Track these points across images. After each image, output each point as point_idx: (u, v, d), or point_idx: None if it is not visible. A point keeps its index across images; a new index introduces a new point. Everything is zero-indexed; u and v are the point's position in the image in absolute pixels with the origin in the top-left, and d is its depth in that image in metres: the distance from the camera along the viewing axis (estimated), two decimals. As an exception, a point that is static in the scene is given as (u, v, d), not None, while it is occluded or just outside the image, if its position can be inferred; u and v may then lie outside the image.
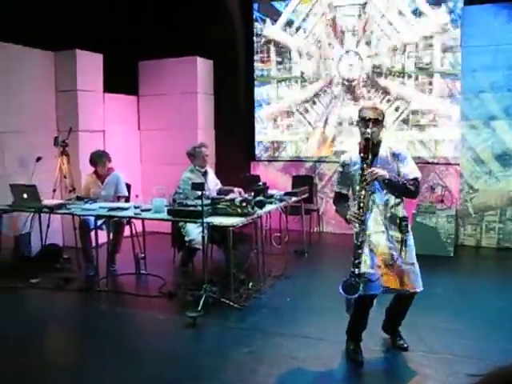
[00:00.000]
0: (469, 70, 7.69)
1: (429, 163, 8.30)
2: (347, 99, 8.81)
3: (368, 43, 8.65)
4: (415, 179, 3.94)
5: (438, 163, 8.32)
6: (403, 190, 3.89)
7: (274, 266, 6.55)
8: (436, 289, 5.83)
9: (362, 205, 3.83)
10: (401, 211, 4.00)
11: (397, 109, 8.50)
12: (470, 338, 4.53)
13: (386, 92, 8.56)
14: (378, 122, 3.91)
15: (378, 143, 3.95)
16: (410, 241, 4.02)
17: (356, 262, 3.81)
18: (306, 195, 7.28)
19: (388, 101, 8.54)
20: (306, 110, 9.09)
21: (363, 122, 3.89)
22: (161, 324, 5.01)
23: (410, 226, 4.02)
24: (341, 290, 3.78)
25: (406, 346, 4.30)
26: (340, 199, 4.18)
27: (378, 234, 3.94)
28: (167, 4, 8.91)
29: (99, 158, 6.73)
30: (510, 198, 7.59)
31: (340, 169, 4.15)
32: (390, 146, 4.01)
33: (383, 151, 3.96)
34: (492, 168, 7.64)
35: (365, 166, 3.80)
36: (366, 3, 8.62)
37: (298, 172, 8.98)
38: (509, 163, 7.57)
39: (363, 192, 3.82)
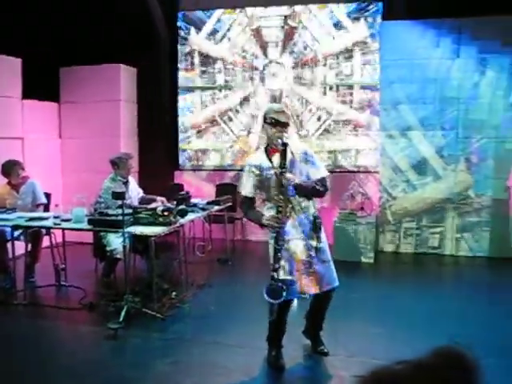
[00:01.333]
0: (387, 83, 7.97)
1: (349, 172, 8.53)
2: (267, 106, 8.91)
3: (291, 54, 8.81)
4: (323, 178, 4.05)
5: (358, 172, 8.57)
6: (313, 191, 3.99)
7: (198, 275, 6.53)
8: (356, 294, 5.99)
9: (280, 209, 3.87)
10: (314, 210, 4.10)
11: (319, 119, 8.70)
12: (389, 341, 4.66)
13: (308, 102, 8.74)
14: (287, 124, 3.99)
15: (286, 145, 3.97)
16: (324, 239, 4.11)
17: (276, 266, 3.86)
18: (230, 204, 7.30)
19: (310, 111, 8.73)
20: (230, 119, 9.15)
21: (279, 125, 3.92)
22: (81, 337, 4.88)
23: (322, 226, 4.12)
24: (265, 295, 3.81)
25: (326, 351, 4.37)
26: (250, 204, 4.18)
27: (296, 240, 4.00)
28: (91, 10, 8.74)
29: (11, 168, 6.46)
30: (427, 205, 7.91)
31: (253, 170, 4.10)
32: (297, 146, 4.10)
33: (291, 153, 4.00)
34: (409, 176, 7.94)
35: (282, 169, 3.85)
36: (289, 15, 8.78)
37: (221, 181, 9.00)
38: (424, 171, 7.89)
39: (281, 196, 3.87)
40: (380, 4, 8.49)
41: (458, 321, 5.21)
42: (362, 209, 7.94)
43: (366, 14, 8.54)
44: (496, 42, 7.53)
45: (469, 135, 7.74)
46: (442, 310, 5.52)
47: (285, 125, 3.94)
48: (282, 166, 3.86)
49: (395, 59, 7.89)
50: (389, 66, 7.94)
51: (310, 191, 3.99)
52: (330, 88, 8.66)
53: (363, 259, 7.48)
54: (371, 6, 8.52)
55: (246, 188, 4.14)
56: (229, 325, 5.04)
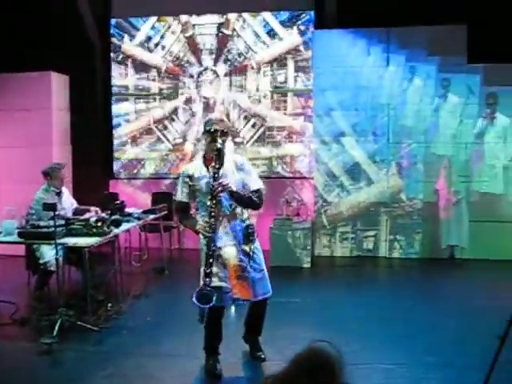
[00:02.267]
0: (320, 90, 8.13)
1: (285, 178, 8.64)
2: (205, 116, 8.90)
3: (225, 61, 8.85)
4: (259, 190, 4.10)
5: (293, 178, 8.69)
6: (249, 201, 4.04)
7: (134, 285, 6.45)
8: (294, 299, 6.06)
9: (213, 214, 3.89)
10: (247, 219, 4.14)
11: (253, 126, 8.77)
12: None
13: (242, 109, 8.80)
14: (225, 133, 4.02)
15: (224, 155, 4.01)
16: (258, 248, 4.16)
17: (207, 271, 3.87)
18: (165, 212, 7.26)
19: (245, 118, 8.79)
20: (165, 127, 9.09)
21: (212, 133, 3.95)
22: (13, 353, 4.72)
23: (256, 234, 4.16)
24: (194, 300, 3.81)
25: (263, 356, 4.40)
26: (185, 209, 4.19)
27: (229, 246, 4.03)
28: (22, 16, 8.52)
29: None
30: (361, 209, 8.09)
31: (186, 179, 4.11)
32: (234, 158, 4.13)
33: (228, 163, 4.04)
34: (343, 181, 8.12)
35: (215, 176, 3.87)
36: (222, 23, 8.83)
37: (157, 189, 8.92)
38: (358, 176, 8.09)
39: (214, 201, 3.89)
40: (312, 13, 8.64)
41: (393, 321, 5.36)
42: (297, 214, 8.04)
43: (299, 22, 8.69)
44: (423, 51, 7.83)
45: (399, 140, 7.99)
46: (378, 311, 5.66)
47: (221, 133, 3.96)
48: (216, 170, 3.88)
49: (328, 67, 8.06)
50: (321, 73, 8.10)
51: (246, 200, 4.03)
52: (265, 95, 8.75)
53: (300, 264, 7.57)
54: (303, 15, 8.68)
55: (181, 194, 4.16)
56: (166, 335, 5.01)
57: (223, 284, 3.95)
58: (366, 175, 8.07)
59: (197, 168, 4.10)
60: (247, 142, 8.79)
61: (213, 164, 3.91)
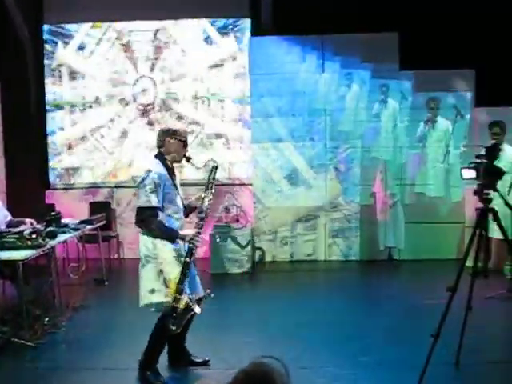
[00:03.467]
0: (257, 96, 8.20)
1: (224, 185, 8.62)
2: (143, 124, 8.84)
3: (162, 69, 8.79)
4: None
5: (232, 184, 8.70)
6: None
7: (72, 298, 6.29)
8: (235, 306, 6.08)
9: (202, 225, 4.14)
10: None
11: (191, 133, 8.73)
12: (268, 350, 4.73)
13: (180, 116, 8.76)
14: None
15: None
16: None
17: (181, 288, 4.00)
18: (104, 222, 7.14)
19: (183, 125, 8.73)
20: (102, 136, 8.95)
21: (181, 143, 4.18)
22: None
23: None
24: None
25: (197, 360, 4.44)
26: (157, 215, 4.09)
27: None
28: None
29: None
30: (300, 213, 8.18)
31: (157, 181, 4.06)
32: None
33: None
34: (282, 186, 8.19)
35: (209, 187, 4.18)
36: (159, 30, 8.77)
37: (95, 199, 8.76)
38: (296, 181, 8.18)
39: (204, 215, 4.12)
40: (248, 20, 8.70)
41: (333, 324, 5.46)
42: (237, 221, 8.06)
43: (235, 29, 8.72)
44: (357, 58, 8.01)
45: (336, 145, 8.14)
46: (319, 314, 5.75)
47: (186, 143, 4.28)
48: (210, 182, 4.22)
49: (264, 73, 8.14)
50: (258, 79, 8.17)
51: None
52: (202, 102, 8.74)
53: (241, 270, 7.58)
54: (240, 22, 8.72)
55: (152, 199, 4.04)
56: (105, 348, 4.93)
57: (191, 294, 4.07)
58: (305, 180, 8.18)
59: (161, 172, 4.11)
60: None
61: (209, 177, 4.22)
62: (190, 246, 4.04)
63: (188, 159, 4.21)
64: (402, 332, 5.17)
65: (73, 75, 8.96)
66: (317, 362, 4.55)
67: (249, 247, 7.68)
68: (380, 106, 8.12)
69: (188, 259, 4.00)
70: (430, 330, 3.92)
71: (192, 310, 3.99)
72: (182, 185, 4.54)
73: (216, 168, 4.24)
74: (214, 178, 4.24)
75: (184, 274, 3.98)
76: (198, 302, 4.08)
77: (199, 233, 4.07)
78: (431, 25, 7.88)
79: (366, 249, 8.18)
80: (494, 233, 4.46)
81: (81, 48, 8.93)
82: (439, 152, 8.09)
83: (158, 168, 4.11)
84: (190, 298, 3.97)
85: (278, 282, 7.46)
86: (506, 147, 6.75)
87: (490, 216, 3.93)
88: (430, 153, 8.11)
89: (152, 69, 8.81)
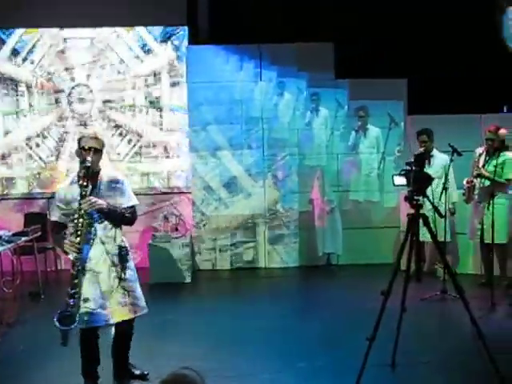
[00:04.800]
0: (195, 104, 8.21)
1: (163, 193, 8.59)
2: (79, 133, 8.65)
3: (99, 77, 8.66)
4: (132, 207, 4.09)
5: (171, 193, 8.65)
6: (121, 218, 4.01)
7: (6, 313, 6.08)
8: (174, 316, 6.04)
9: (79, 233, 3.80)
10: (121, 242, 4.09)
11: (129, 142, 8.65)
12: (208, 360, 4.76)
13: (118, 125, 8.66)
14: (98, 150, 3.95)
15: (98, 172, 4.00)
16: (130, 268, 4.13)
17: (72, 292, 3.78)
18: (39, 233, 6.97)
19: (120, 134, 8.65)
20: (37, 145, 8.73)
21: (83, 151, 3.89)
22: None
23: (130, 255, 4.14)
24: (56, 322, 3.71)
25: (146, 372, 4.38)
26: (58, 229, 4.07)
27: (101, 267, 3.96)
28: None
29: None
30: (239, 221, 8.21)
31: (61, 205, 4.01)
32: (109, 174, 4.08)
33: (103, 179, 4.01)
34: (221, 195, 8.21)
35: (83, 194, 3.80)
36: (95, 37, 8.64)
37: (30, 209, 8.54)
38: (235, 189, 8.22)
39: (81, 220, 3.81)
40: (186, 28, 8.70)
41: (273, 330, 5.51)
42: (176, 230, 8.01)
43: (173, 37, 8.70)
44: (293, 67, 8.13)
45: (274, 153, 8.23)
46: (258, 321, 5.78)
47: (90, 150, 3.88)
48: (84, 189, 3.81)
49: (202, 82, 8.16)
50: (196, 88, 8.19)
51: (118, 217, 3.99)
52: (140, 111, 8.67)
53: (181, 280, 7.53)
54: (177, 30, 8.70)
55: (55, 213, 4.05)
56: (40, 364, 4.79)
57: (95, 306, 3.88)
58: (243, 188, 8.23)
59: (68, 190, 3.99)
60: (123, 158, 8.65)
61: (81, 182, 3.83)
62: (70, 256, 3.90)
63: (87, 168, 3.83)
64: (340, 336, 5.27)
65: (5, 82, 8.71)
66: (255, 369, 4.58)
67: (188, 256, 7.64)
68: (315, 113, 8.26)
69: (73, 271, 3.84)
70: (366, 333, 4.01)
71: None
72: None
73: (88, 168, 3.82)
74: (86, 185, 3.85)
75: (71, 287, 3.83)
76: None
77: (72, 241, 3.82)
78: (366, 35, 8.11)
79: (304, 255, 8.28)
80: (426, 236, 4.60)
81: (13, 54, 8.69)
82: (371, 159, 8.30)
83: (65, 184, 4.07)
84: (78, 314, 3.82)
85: (218, 290, 7.45)
86: (436, 153, 7.01)
87: (421, 221, 4.06)
88: (362, 159, 8.32)
89: (88, 77, 8.67)
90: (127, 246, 4.13)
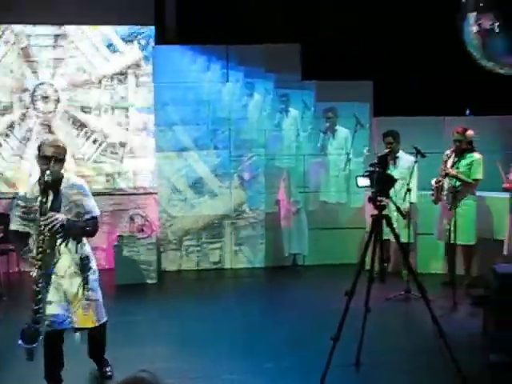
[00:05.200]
0: (161, 104, 8.15)
1: (128, 194, 8.51)
2: (44, 132, 8.54)
3: (63, 76, 8.54)
4: (94, 218, 4.03)
5: (137, 193, 8.58)
6: (82, 232, 3.97)
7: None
8: (140, 317, 6.01)
9: (41, 249, 3.74)
10: (83, 250, 4.05)
11: (94, 142, 8.55)
12: (174, 361, 4.75)
13: (83, 125, 8.55)
14: (59, 159, 3.87)
15: (60, 180, 3.93)
16: (93, 279, 4.10)
17: (36, 308, 3.74)
18: (2, 235, 6.85)
19: (85, 133, 8.54)
20: (-1, 144, 8.58)
21: (44, 159, 3.82)
22: None
23: (92, 264, 4.10)
24: (20, 341, 3.67)
25: (110, 374, 4.37)
26: (20, 239, 4.00)
27: (69, 276, 3.93)
28: None
29: None
30: (205, 222, 8.19)
31: (21, 203, 3.94)
32: (71, 181, 4.02)
33: (64, 187, 3.94)
34: (187, 195, 8.17)
35: (43, 211, 3.74)
36: (60, 35, 8.52)
37: (-8, 210, 8.37)
38: (201, 190, 8.19)
39: (41, 237, 3.74)
40: (152, 28, 8.64)
41: (239, 331, 5.53)
42: (142, 230, 7.96)
43: (139, 37, 8.63)
44: (260, 68, 8.14)
45: (240, 154, 8.22)
46: (225, 322, 5.81)
47: (53, 159, 3.81)
48: (43, 205, 3.75)
49: (169, 82, 8.12)
50: (162, 88, 8.14)
51: (78, 230, 3.95)
52: (106, 110, 8.58)
53: (146, 281, 7.48)
54: (144, 30, 8.63)
55: (14, 222, 3.97)
56: (5, 366, 4.70)
57: (59, 310, 3.88)
58: (210, 188, 8.20)
59: (34, 189, 3.93)
60: (88, 158, 8.54)
61: (40, 198, 3.77)
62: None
63: (46, 183, 3.79)
64: (305, 337, 5.30)
65: (-34, 80, 8.52)
66: (222, 370, 4.59)
67: (154, 257, 7.60)
68: (281, 115, 8.29)
69: (35, 286, 3.79)
70: (332, 333, 4.05)
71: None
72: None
73: (46, 182, 3.77)
74: (45, 201, 3.81)
75: (35, 303, 3.79)
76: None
77: (35, 258, 3.76)
78: (332, 37, 8.18)
79: (271, 256, 8.30)
80: (389, 237, 4.67)
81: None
82: (340, 160, 8.37)
83: (26, 185, 4.04)
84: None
85: (184, 291, 7.42)
86: (402, 155, 7.11)
87: (384, 222, 4.11)
88: (330, 161, 8.38)
89: (53, 75, 8.54)
90: (89, 255, 4.09)
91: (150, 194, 8.51)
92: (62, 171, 3.96)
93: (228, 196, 8.22)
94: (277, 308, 6.50)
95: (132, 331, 5.57)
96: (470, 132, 6.72)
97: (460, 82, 7.96)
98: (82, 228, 3.94)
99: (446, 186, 6.64)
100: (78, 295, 3.96)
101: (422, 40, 8.06)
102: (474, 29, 4.72)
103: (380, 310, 5.73)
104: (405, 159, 7.08)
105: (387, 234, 4.48)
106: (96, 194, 7.50)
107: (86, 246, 4.09)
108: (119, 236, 7.70)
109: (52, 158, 3.80)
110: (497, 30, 4.45)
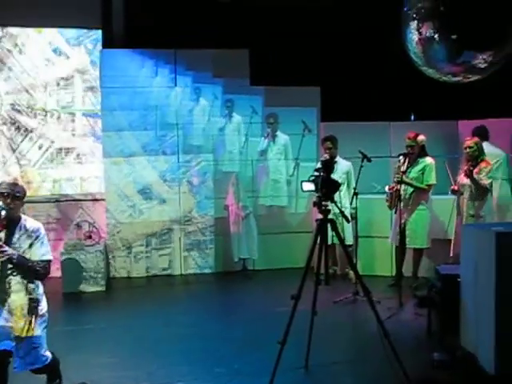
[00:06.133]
0: (109, 110, 8.06)
1: (75, 200, 8.37)
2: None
3: (6, 79, 8.33)
4: (48, 261, 3.96)
5: (84, 200, 8.43)
6: (33, 272, 3.88)
7: None
8: (88, 326, 5.91)
9: None
10: (32, 292, 3.95)
11: (40, 147, 8.37)
12: (124, 369, 4.71)
13: (27, 130, 8.36)
14: (18, 197, 3.83)
15: (19, 219, 3.88)
16: (39, 324, 3.97)
17: None
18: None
19: (31, 139, 8.36)
20: None
21: (1, 196, 3.76)
22: None
23: (40, 309, 3.99)
24: None
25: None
26: None
27: (14, 314, 3.86)
28: None
29: None
30: (154, 228, 8.13)
31: None
32: (29, 223, 3.94)
33: (21, 227, 3.88)
34: (135, 201, 8.09)
35: None
36: (2, 37, 8.31)
37: None
38: (149, 196, 8.12)
39: None
40: (100, 31, 8.54)
41: (189, 337, 5.52)
42: (89, 237, 7.83)
43: (86, 41, 8.51)
44: (209, 73, 8.15)
45: (189, 159, 8.20)
46: (175, 328, 5.78)
47: (10, 196, 3.76)
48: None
49: (116, 87, 8.03)
50: (110, 93, 8.04)
51: (27, 269, 3.86)
52: (52, 115, 8.41)
53: (95, 288, 7.36)
54: (91, 34, 8.52)
55: None
56: None
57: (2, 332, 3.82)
58: (158, 194, 8.14)
59: None
60: (34, 164, 8.36)
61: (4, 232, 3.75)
62: None
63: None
64: (256, 341, 5.31)
65: None
66: (172, 377, 4.57)
67: (102, 264, 7.49)
68: (226, 120, 8.31)
69: None
70: (278, 336, 4.08)
71: None
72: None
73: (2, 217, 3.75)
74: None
75: None
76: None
77: None
78: (281, 43, 8.27)
79: (220, 261, 8.29)
80: (334, 240, 4.75)
81: None
82: (279, 165, 8.44)
83: None
84: None
85: (133, 298, 7.33)
86: (340, 160, 7.24)
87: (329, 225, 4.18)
88: (271, 166, 8.43)
89: (-4, 79, 8.33)
90: (39, 297, 4.00)
91: (98, 200, 8.39)
92: (20, 213, 3.92)
93: (177, 201, 8.17)
94: (227, 313, 6.51)
95: (80, 340, 5.49)
96: (421, 137, 6.88)
97: (405, 87, 8.17)
98: (33, 268, 3.86)
99: (401, 191, 6.74)
100: (22, 335, 3.87)
101: (368, 46, 8.24)
102: (415, 37, 4.87)
103: (328, 313, 5.84)
104: (342, 164, 7.23)
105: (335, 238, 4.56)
106: (42, 201, 7.48)
107: (39, 289, 4.01)
108: (66, 243, 7.57)
109: (9, 196, 3.76)
110: (437, 39, 4.60)
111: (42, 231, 4.01)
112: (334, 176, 6.86)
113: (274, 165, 8.44)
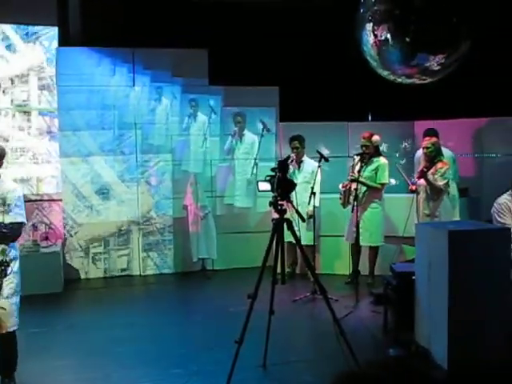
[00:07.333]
0: (65, 109, 7.93)
1: (31, 201, 8.19)
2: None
3: (-42, 77, 8.14)
4: (20, 223, 4.02)
5: (40, 200, 8.27)
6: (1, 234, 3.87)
7: None
8: (44, 328, 5.85)
9: None
10: (9, 256, 3.93)
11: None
12: (80, 372, 4.68)
13: (-19, 129, 8.18)
14: None
15: None
16: (9, 286, 4.03)
17: None
18: None
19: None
20: None
21: None
22: None
23: (12, 269, 3.99)
24: None
25: None
26: None
27: None
28: None
29: None
30: (113, 228, 8.05)
31: None
32: (5, 185, 3.96)
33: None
34: (93, 201, 7.98)
35: None
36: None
37: None
38: (107, 196, 8.03)
39: None
40: (56, 29, 8.39)
41: (148, 339, 5.53)
42: (46, 239, 7.71)
43: (42, 38, 8.36)
44: (167, 72, 8.10)
45: (147, 159, 8.14)
46: (134, 330, 5.76)
47: None
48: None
49: (73, 85, 7.91)
50: (67, 91, 7.91)
51: None
52: (6, 114, 8.24)
53: (52, 290, 7.22)
54: (47, 31, 8.37)
55: None
56: None
57: None
58: (116, 194, 8.05)
59: None
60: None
61: None
62: None
63: None
64: (214, 340, 5.33)
65: None
66: (130, 379, 4.57)
67: (59, 265, 7.38)
68: (189, 120, 8.28)
69: None
70: (236, 335, 4.11)
71: None
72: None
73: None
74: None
75: None
76: None
77: None
78: (240, 43, 8.29)
79: (179, 261, 8.25)
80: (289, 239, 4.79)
81: None
82: (246, 164, 8.45)
83: None
84: None
85: (91, 299, 7.26)
86: (306, 159, 7.31)
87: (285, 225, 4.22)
88: (237, 165, 8.45)
89: None
90: (8, 260, 3.95)
91: (55, 200, 8.24)
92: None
93: (135, 202, 8.10)
94: (186, 313, 6.51)
95: (36, 343, 5.41)
96: (376, 137, 7.00)
97: (362, 88, 8.28)
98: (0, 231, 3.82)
99: (353, 189, 6.84)
100: None
101: (327, 47, 8.32)
102: (371, 39, 4.95)
103: (286, 312, 5.90)
104: (309, 163, 7.29)
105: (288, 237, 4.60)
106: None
107: (12, 252, 3.97)
108: (21, 245, 7.42)
109: None
110: (391, 41, 4.68)
111: (17, 193, 3.97)
112: (300, 175, 7.02)
113: (241, 164, 8.44)
